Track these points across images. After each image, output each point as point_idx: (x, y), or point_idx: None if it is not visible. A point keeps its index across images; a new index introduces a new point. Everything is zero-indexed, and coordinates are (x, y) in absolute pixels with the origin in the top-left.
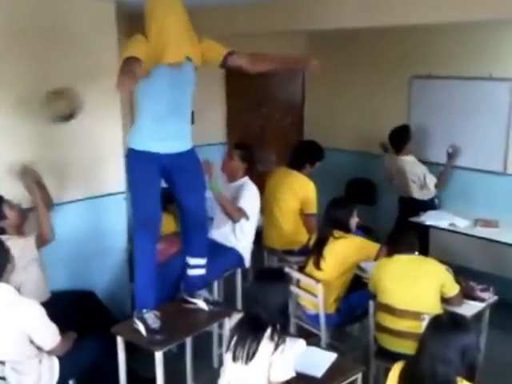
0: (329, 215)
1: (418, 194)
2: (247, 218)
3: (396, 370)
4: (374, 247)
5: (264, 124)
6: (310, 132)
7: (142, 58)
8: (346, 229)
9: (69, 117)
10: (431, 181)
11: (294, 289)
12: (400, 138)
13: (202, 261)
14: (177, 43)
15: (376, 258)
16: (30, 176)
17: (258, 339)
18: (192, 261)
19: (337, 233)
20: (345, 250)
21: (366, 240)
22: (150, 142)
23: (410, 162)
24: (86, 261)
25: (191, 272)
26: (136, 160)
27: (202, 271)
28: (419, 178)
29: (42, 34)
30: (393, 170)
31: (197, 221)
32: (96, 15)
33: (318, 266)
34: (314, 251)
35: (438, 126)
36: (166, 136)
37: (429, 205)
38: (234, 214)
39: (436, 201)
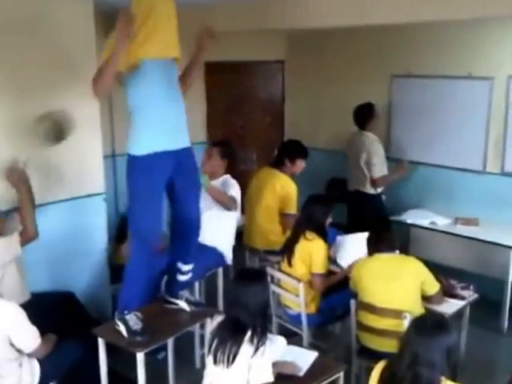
0: (306, 211)
1: (367, 180)
2: (235, 206)
3: (379, 369)
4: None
5: (245, 123)
6: (290, 131)
7: (122, 59)
8: (320, 227)
9: (58, 139)
10: (376, 165)
11: (275, 288)
12: (364, 114)
13: (192, 266)
14: (176, 40)
15: None
16: (17, 174)
17: (238, 343)
18: (185, 267)
19: (309, 234)
20: (309, 253)
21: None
22: (158, 138)
23: (371, 138)
24: (66, 262)
25: (182, 278)
26: (143, 169)
27: (190, 275)
28: (374, 155)
29: (17, 32)
30: (352, 148)
31: (195, 226)
32: (73, 14)
33: (290, 264)
34: (286, 249)
35: (418, 125)
36: (171, 127)
37: (376, 198)
38: (230, 202)
39: (384, 197)
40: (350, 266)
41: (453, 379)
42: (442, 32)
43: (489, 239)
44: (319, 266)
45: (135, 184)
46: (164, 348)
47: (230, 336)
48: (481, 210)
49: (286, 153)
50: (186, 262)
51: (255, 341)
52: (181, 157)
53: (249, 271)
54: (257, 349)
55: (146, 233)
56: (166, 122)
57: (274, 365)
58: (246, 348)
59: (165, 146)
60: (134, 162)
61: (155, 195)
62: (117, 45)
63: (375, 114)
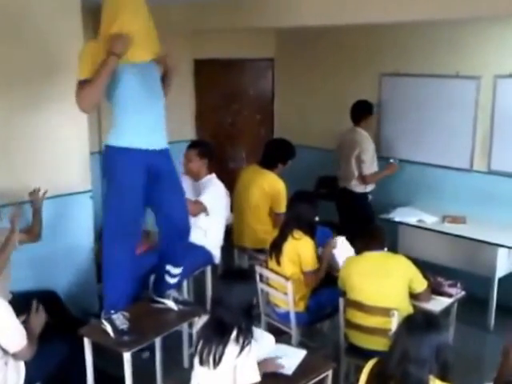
0: (293, 210)
1: (355, 177)
2: (207, 213)
3: (369, 366)
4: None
5: (234, 121)
6: (280, 129)
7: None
8: (309, 226)
9: None
10: (366, 163)
11: (263, 286)
12: (360, 110)
13: (181, 269)
14: (146, 44)
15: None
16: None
17: (223, 343)
18: (175, 270)
19: (297, 233)
20: (297, 252)
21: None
22: (133, 137)
23: (364, 135)
24: (52, 261)
25: (171, 280)
26: (122, 160)
27: (179, 278)
28: (365, 152)
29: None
30: (344, 144)
31: (182, 227)
32: (59, 10)
33: (278, 262)
34: (274, 247)
35: (406, 123)
36: (147, 128)
37: (361, 197)
38: (191, 207)
39: (370, 196)
40: (330, 243)
41: (444, 377)
42: (430, 31)
43: (476, 237)
44: (310, 264)
45: (115, 176)
46: (148, 348)
47: (215, 336)
48: (468, 207)
49: (279, 155)
50: (175, 265)
51: (241, 340)
52: (156, 158)
53: (233, 271)
54: (242, 348)
55: (126, 227)
56: (142, 123)
57: (258, 364)
58: (232, 348)
59: (139, 145)
60: (111, 152)
61: (137, 187)
62: (111, 60)
63: (370, 111)
